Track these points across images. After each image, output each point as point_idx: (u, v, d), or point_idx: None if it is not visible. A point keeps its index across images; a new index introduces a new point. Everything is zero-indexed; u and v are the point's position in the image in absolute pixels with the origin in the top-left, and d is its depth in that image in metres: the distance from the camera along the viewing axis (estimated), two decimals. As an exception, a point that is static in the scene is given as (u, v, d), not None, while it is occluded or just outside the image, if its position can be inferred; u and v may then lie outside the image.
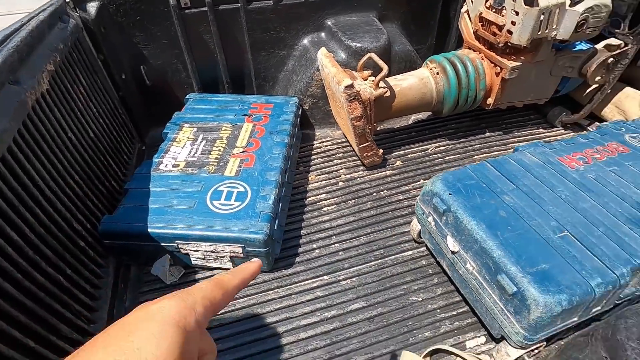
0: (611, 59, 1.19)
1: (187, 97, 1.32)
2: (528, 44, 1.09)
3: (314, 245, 1.02)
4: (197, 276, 0.96)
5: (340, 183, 1.21)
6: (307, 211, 1.13)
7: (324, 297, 0.90)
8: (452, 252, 0.80)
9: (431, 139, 1.37)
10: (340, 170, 1.26)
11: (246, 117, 1.23)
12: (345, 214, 1.11)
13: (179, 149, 1.10)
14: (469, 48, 1.31)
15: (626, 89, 1.33)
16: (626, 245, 0.68)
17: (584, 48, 1.24)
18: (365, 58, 1.17)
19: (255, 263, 0.33)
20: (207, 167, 1.04)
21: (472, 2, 1.26)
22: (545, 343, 0.72)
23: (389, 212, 1.10)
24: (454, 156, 1.30)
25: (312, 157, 1.32)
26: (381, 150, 1.23)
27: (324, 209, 1.13)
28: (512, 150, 1.00)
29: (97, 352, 0.21)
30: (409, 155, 1.31)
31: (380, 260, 0.98)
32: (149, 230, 0.87)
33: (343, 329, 0.84)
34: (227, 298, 0.29)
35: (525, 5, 1.05)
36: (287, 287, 0.93)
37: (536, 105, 1.45)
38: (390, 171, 1.25)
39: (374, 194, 1.17)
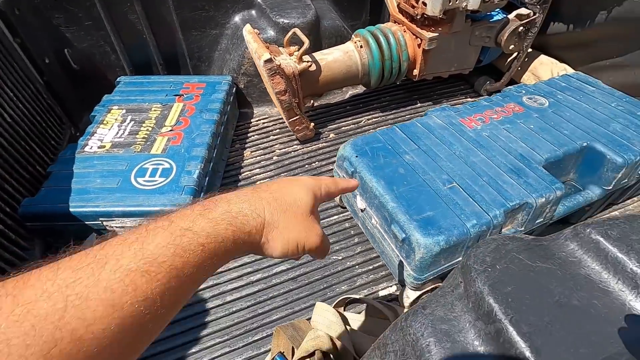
0: (522, 27, 1.27)
1: (117, 79, 1.31)
2: (442, 14, 1.15)
3: (245, 217, 1.06)
4: (129, 253, 0.98)
5: (275, 157, 1.25)
6: (241, 185, 1.16)
7: (250, 262, 0.95)
8: (362, 210, 0.86)
9: (365, 112, 1.43)
10: (275, 146, 1.29)
11: (177, 97, 1.23)
12: (277, 186, 1.15)
13: (106, 131, 1.10)
14: (395, 22, 1.36)
15: (540, 57, 1.42)
16: (503, 191, 0.75)
17: (499, 18, 1.31)
18: (290, 33, 1.19)
19: (355, 181, 0.49)
20: (133, 146, 1.05)
21: (393, -24, 1.31)
22: (442, 283, 0.80)
23: (318, 181, 1.15)
24: (385, 127, 1.36)
25: (249, 135, 1.35)
26: (312, 124, 1.27)
27: (257, 183, 1.17)
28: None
29: (272, 184, 0.38)
30: (343, 128, 1.36)
31: (307, 226, 1.03)
32: (71, 209, 0.88)
33: (267, 290, 0.90)
34: (337, 193, 0.45)
35: (434, -23, 1.10)
36: (217, 256, 0.97)
37: (464, 76, 1.53)
38: (324, 144, 1.30)
39: (306, 166, 1.21)
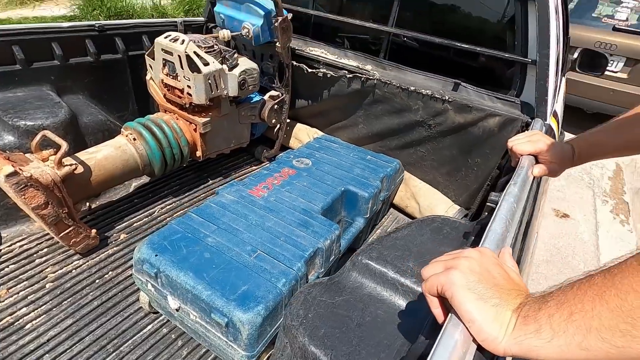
0: (276, 105, 1.56)
1: None
2: (208, 102, 1.28)
3: (15, 380, 0.78)
4: None
5: (48, 285, 1.00)
6: (-1, 340, 0.86)
7: None
8: (177, 310, 0.80)
9: (156, 201, 1.36)
10: (47, 269, 1.04)
11: None
12: (59, 320, 0.91)
13: None
14: (165, 111, 1.40)
15: (298, 125, 1.77)
16: (299, 245, 0.88)
17: (258, 99, 1.57)
18: (38, 137, 1.02)
19: None
20: None
21: (152, 69, 1.36)
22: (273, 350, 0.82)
23: (117, 294, 0.99)
24: (181, 211, 1.33)
25: (0, 268, 1.03)
26: (94, 230, 1.10)
27: (27, 326, 0.89)
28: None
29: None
30: (135, 224, 1.24)
31: (116, 352, 0.86)
32: None
33: None
34: None
35: (192, 72, 1.22)
36: None
37: (244, 148, 1.71)
38: (114, 248, 1.14)
39: (97, 281, 1.03)
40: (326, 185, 1.13)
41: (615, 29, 3.23)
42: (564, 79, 1.86)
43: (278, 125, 1.66)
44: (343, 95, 1.47)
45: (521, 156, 0.77)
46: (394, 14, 1.33)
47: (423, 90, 1.23)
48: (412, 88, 1.25)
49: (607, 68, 3.32)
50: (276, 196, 1.04)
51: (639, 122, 0.65)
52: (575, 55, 1.75)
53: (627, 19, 3.46)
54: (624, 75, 3.11)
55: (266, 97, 1.58)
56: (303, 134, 1.74)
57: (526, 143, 0.78)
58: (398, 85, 1.29)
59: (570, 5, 3.84)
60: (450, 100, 1.20)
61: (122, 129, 1.24)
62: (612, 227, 2.22)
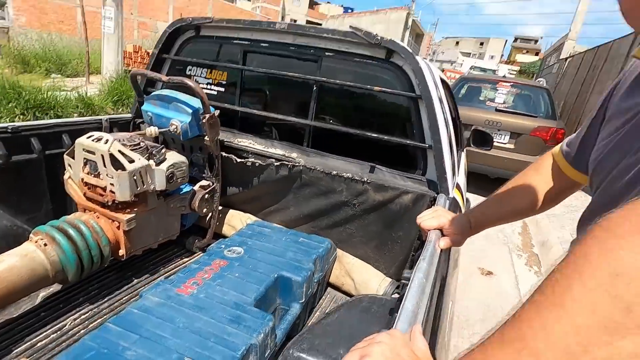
0: (207, 195, 1.58)
1: None
2: (133, 198, 1.25)
3: None
4: None
5: None
6: None
7: None
8: None
9: (69, 311, 1.21)
10: None
11: None
12: None
13: None
14: (85, 210, 1.32)
15: (230, 211, 1.77)
16: (230, 344, 0.84)
17: (188, 190, 1.57)
18: None
19: None
20: None
21: (71, 169, 1.32)
22: None
23: None
24: (100, 320, 1.19)
25: None
26: (-16, 360, 0.94)
27: None
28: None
29: None
30: (39, 344, 1.08)
31: None
32: None
33: None
34: None
35: (116, 169, 1.21)
36: None
37: (174, 240, 1.64)
38: (10, 378, 0.96)
39: None
40: (259, 273, 1.12)
41: (497, 110, 3.95)
42: (463, 154, 2.18)
43: (210, 214, 1.66)
44: (272, 181, 1.54)
45: (429, 231, 0.87)
46: (312, 109, 1.51)
47: (344, 174, 1.36)
48: (335, 172, 1.37)
49: (498, 140, 3.94)
50: (206, 292, 1.00)
51: (514, 196, 0.80)
52: (468, 134, 2.09)
53: (504, 102, 4.26)
54: (512, 146, 3.73)
55: (196, 187, 1.59)
56: (236, 220, 1.74)
57: (431, 219, 0.89)
58: (322, 170, 1.40)
59: (462, 91, 4.65)
60: (368, 181, 1.33)
61: (31, 234, 1.14)
62: (529, 279, 2.45)
